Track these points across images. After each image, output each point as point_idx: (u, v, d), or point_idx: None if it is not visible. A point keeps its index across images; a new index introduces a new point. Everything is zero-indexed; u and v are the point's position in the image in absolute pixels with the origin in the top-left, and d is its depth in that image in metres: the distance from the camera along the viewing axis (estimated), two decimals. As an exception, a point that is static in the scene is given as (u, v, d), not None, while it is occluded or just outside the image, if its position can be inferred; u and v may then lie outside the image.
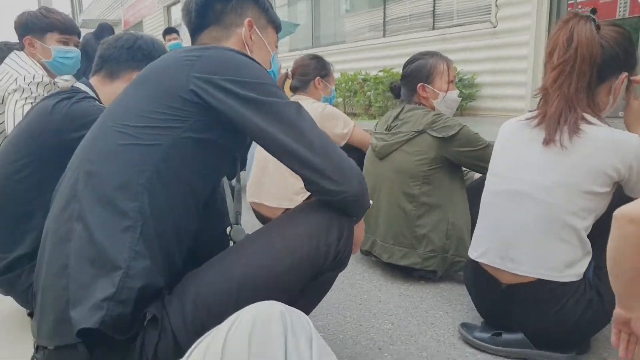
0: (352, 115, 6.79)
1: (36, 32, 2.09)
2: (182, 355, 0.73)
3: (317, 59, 2.60)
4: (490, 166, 1.51)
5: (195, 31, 1.21)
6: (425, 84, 2.00)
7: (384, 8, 7.52)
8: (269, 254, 1.01)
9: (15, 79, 1.98)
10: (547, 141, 1.32)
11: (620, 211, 0.92)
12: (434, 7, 6.65)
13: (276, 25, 1.30)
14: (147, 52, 1.57)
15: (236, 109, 0.97)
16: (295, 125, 1.00)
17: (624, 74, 1.34)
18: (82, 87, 1.52)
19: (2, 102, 2.02)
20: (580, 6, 4.98)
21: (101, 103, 1.51)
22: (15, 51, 2.16)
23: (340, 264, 1.12)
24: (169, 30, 6.22)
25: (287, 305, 0.76)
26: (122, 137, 0.96)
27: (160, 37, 6.38)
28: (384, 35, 7.49)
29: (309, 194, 2.42)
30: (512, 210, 1.39)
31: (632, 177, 1.28)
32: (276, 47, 1.31)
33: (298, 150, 0.99)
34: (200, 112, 0.97)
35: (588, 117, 1.31)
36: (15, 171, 1.43)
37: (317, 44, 9.08)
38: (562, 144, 1.29)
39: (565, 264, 1.32)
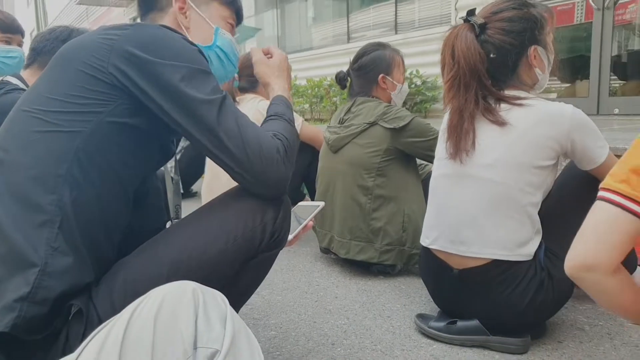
0: (319, 120, 6.78)
1: None
2: None
3: None
4: (436, 152, 1.49)
5: (141, 18, 1.17)
6: (386, 76, 1.98)
7: (348, 17, 7.56)
8: (200, 236, 0.97)
9: None
10: (453, 155, 1.37)
11: (569, 266, 0.85)
12: (395, 16, 6.72)
13: (224, 1, 1.22)
14: None
15: (152, 97, 0.91)
16: (212, 125, 0.94)
17: (531, 49, 1.34)
18: (13, 80, 1.45)
19: None
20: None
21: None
22: None
23: (277, 243, 1.08)
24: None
25: (200, 285, 0.71)
26: (38, 124, 0.89)
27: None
28: (348, 41, 7.53)
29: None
30: (458, 192, 1.37)
31: (577, 149, 1.27)
32: (228, 22, 1.23)
33: (217, 152, 0.95)
34: (122, 95, 0.91)
35: (522, 94, 1.32)
36: None
37: (282, 51, 9.08)
38: (467, 154, 1.34)
39: (515, 243, 1.30)
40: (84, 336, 0.84)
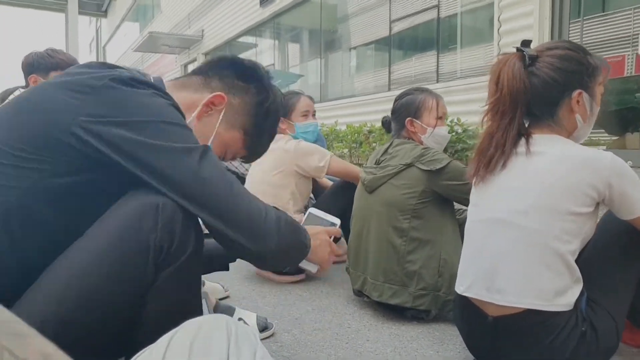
0: (358, 165, 6.82)
1: (41, 71, 2.17)
2: None
3: None
4: (470, 197, 1.47)
5: (191, 72, 1.18)
6: (414, 119, 2.00)
7: (389, 66, 7.71)
8: (75, 270, 0.85)
9: None
10: (472, 176, 1.39)
11: None
12: (437, 66, 6.80)
13: (248, 141, 1.18)
14: None
15: (113, 157, 0.85)
16: (195, 176, 0.87)
17: (577, 92, 1.32)
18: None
19: None
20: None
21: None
22: (20, 88, 2.23)
23: (174, 257, 0.90)
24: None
25: (233, 319, 0.73)
26: None
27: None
28: (389, 89, 7.64)
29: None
30: (492, 239, 1.34)
31: (615, 196, 1.23)
32: (228, 154, 1.19)
33: (197, 205, 0.88)
34: (78, 156, 0.85)
35: (558, 137, 1.30)
36: None
37: (325, 98, 9.28)
38: (480, 181, 1.37)
39: (554, 292, 1.25)
40: None
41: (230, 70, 1.14)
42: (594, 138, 4.91)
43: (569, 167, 1.24)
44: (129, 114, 0.86)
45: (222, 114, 1.11)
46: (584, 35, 4.91)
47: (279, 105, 1.21)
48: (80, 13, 21.14)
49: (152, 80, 1.00)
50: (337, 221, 1.19)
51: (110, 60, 26.42)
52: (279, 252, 0.94)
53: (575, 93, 1.32)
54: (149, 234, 0.87)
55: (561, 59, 1.32)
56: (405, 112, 2.01)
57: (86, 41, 31.79)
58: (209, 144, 1.10)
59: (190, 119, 1.08)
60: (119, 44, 24.79)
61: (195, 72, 1.17)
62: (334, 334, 1.81)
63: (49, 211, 0.87)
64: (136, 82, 0.91)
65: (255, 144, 1.20)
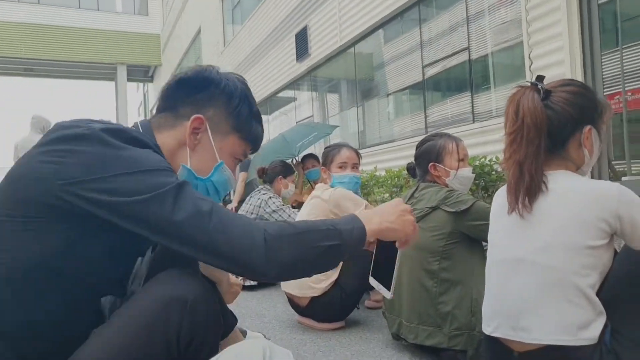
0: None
1: None
2: None
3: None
4: (489, 237, 1.51)
5: (156, 112, 1.16)
6: (436, 163, 2.08)
7: (425, 110, 7.82)
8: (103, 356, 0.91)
9: None
10: (510, 210, 1.37)
11: None
12: (472, 106, 6.85)
13: (247, 137, 1.18)
14: None
15: (100, 215, 0.89)
16: (169, 221, 0.88)
17: (587, 128, 1.37)
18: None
19: None
20: (631, 94, 4.95)
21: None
22: None
23: (195, 353, 0.95)
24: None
25: (271, 343, 0.80)
26: None
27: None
28: (426, 132, 7.71)
29: (331, 279, 2.45)
30: (513, 278, 1.37)
31: (626, 228, 1.25)
32: (237, 158, 1.19)
33: (179, 247, 0.90)
34: (68, 213, 0.89)
35: (568, 173, 1.34)
36: None
37: (363, 145, 9.43)
38: (524, 210, 1.33)
39: (577, 326, 1.26)
40: None
41: (183, 90, 1.12)
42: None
43: (579, 203, 1.28)
44: (99, 172, 0.88)
45: (209, 132, 1.11)
46: (624, 64, 4.87)
47: (238, 81, 1.18)
48: (128, 80, 22.56)
49: (136, 126, 1.07)
50: (389, 295, 1.17)
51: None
52: (275, 271, 0.92)
53: (587, 128, 1.37)
54: (173, 332, 0.92)
55: (575, 95, 1.38)
56: (427, 158, 2.10)
57: (135, 105, 33.58)
58: (218, 162, 1.13)
59: (187, 156, 1.10)
60: (166, 107, 26.01)
61: (159, 112, 1.15)
62: (371, 377, 1.85)
63: (59, 264, 0.91)
64: (108, 134, 0.92)
65: (251, 133, 1.19)
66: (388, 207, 1.11)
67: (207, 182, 1.13)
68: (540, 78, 1.42)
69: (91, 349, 0.92)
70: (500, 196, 1.50)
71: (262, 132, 1.24)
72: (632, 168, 4.70)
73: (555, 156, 1.39)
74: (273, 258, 0.90)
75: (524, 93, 1.38)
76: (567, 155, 1.39)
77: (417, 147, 2.16)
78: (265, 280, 0.96)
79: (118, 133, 0.94)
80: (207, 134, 1.11)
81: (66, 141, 0.90)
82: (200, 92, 1.12)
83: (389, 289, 1.15)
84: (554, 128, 1.35)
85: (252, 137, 1.20)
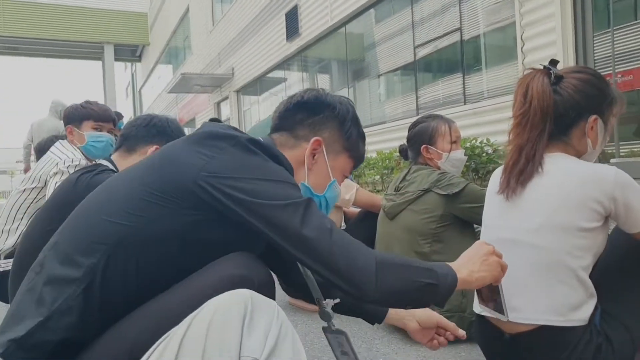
0: (390, 192, 6.84)
1: (75, 121, 2.35)
2: None
3: None
4: (482, 217, 1.52)
5: (272, 130, 1.25)
6: (428, 145, 2.07)
7: (416, 91, 7.79)
8: (162, 319, 0.92)
9: (56, 164, 2.20)
10: (500, 191, 1.38)
11: None
12: (464, 87, 6.84)
13: (354, 156, 1.28)
14: (162, 128, 1.74)
15: (235, 211, 0.96)
16: (299, 229, 0.96)
17: (593, 117, 1.36)
18: (104, 162, 1.69)
19: (45, 186, 2.24)
20: (620, 75, 4.95)
21: (120, 175, 1.65)
22: (60, 140, 2.42)
23: None
24: (213, 120, 6.68)
25: (255, 293, 0.80)
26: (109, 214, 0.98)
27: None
28: (417, 114, 7.69)
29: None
30: (506, 259, 1.37)
31: (620, 210, 1.26)
32: (345, 176, 1.30)
33: (299, 255, 0.97)
34: (199, 201, 0.97)
35: (565, 155, 1.34)
36: (45, 238, 1.57)
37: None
38: (512, 193, 1.35)
39: (568, 307, 1.28)
40: None
41: (301, 113, 1.23)
42: (635, 150, 4.84)
43: (575, 184, 1.28)
44: (243, 173, 0.98)
45: (324, 152, 1.22)
46: (615, 46, 4.87)
47: (349, 105, 1.28)
48: (116, 60, 22.21)
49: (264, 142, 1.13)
50: (506, 318, 1.21)
51: (146, 102, 27.49)
52: (379, 296, 0.98)
53: (592, 118, 1.36)
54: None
55: (585, 82, 1.36)
56: (419, 140, 2.09)
57: (123, 86, 33.18)
58: (331, 180, 1.24)
59: (305, 174, 1.20)
60: (153, 87, 25.74)
61: (276, 130, 1.25)
62: (363, 358, 1.86)
63: (174, 242, 0.98)
64: (253, 145, 1.04)
65: (358, 153, 1.30)
66: (472, 255, 1.15)
67: (321, 198, 1.23)
68: (553, 62, 1.41)
69: (150, 309, 0.95)
70: (494, 177, 1.49)
71: (365, 151, 1.35)
72: (621, 150, 4.74)
73: (557, 141, 1.38)
74: (381, 283, 0.97)
75: (535, 76, 1.37)
76: (569, 141, 1.38)
77: (410, 129, 2.15)
78: (363, 302, 1.03)
79: (262, 146, 1.06)
80: (323, 155, 1.22)
81: (220, 140, 1.02)
82: (317, 115, 1.22)
83: (502, 313, 1.20)
84: (559, 114, 1.35)
85: (358, 156, 1.30)
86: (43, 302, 0.92)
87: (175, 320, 0.86)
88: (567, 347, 1.27)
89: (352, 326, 2.23)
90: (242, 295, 0.78)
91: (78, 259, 0.95)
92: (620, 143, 4.73)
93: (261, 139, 1.12)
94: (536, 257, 1.31)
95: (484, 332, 1.48)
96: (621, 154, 4.74)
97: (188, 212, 0.97)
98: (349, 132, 1.25)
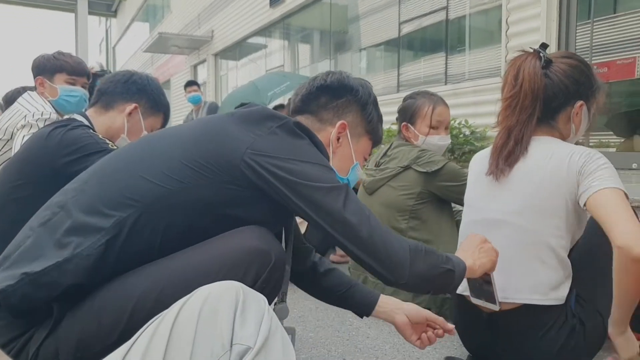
0: (366, 167, 6.86)
1: (47, 73, 2.22)
2: None
3: None
4: (465, 198, 1.52)
5: (293, 112, 1.26)
6: (408, 124, 2.05)
7: (398, 68, 7.75)
8: (174, 279, 0.93)
9: (25, 116, 2.09)
10: (489, 172, 1.38)
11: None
12: (446, 67, 6.83)
13: (374, 139, 1.30)
14: (142, 85, 1.66)
15: (278, 189, 0.99)
16: (341, 212, 0.99)
17: (579, 103, 1.37)
18: (78, 117, 1.61)
19: (12, 138, 2.14)
20: (596, 67, 5.00)
21: (95, 132, 1.58)
22: (28, 91, 2.30)
23: None
24: (191, 83, 6.53)
25: (244, 286, 0.79)
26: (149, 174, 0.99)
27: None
28: (397, 91, 7.67)
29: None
30: (490, 239, 1.38)
31: (584, 180, 1.25)
32: (365, 158, 1.33)
33: (340, 238, 1.01)
34: (243, 183, 0.99)
35: (550, 138, 1.34)
36: (12, 192, 1.50)
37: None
38: (501, 174, 1.35)
39: (548, 286, 1.30)
40: (41, 344, 0.90)
41: (324, 96, 1.23)
42: (603, 140, 4.93)
43: (554, 165, 1.29)
44: (289, 154, 1.01)
45: (348, 136, 1.23)
46: (593, 37, 4.91)
47: (369, 88, 1.29)
48: (90, 13, 21.28)
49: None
50: (497, 307, 1.29)
51: (120, 60, 26.69)
52: (412, 279, 1.02)
53: (578, 104, 1.37)
54: (253, 278, 0.94)
55: (574, 68, 1.37)
56: (403, 116, 2.07)
57: (96, 42, 32.00)
58: (354, 163, 1.26)
59: (329, 157, 1.21)
60: (128, 45, 24.95)
61: (298, 112, 1.25)
62: (335, 330, 1.87)
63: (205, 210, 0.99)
64: (298, 129, 1.07)
65: (377, 135, 1.31)
66: (469, 246, 1.24)
67: (345, 180, 1.25)
68: (544, 46, 1.40)
69: (164, 269, 0.95)
70: (480, 158, 1.49)
71: (382, 133, 1.37)
72: (590, 141, 4.82)
73: (545, 125, 1.39)
74: (414, 267, 1.02)
75: (526, 59, 1.36)
76: (555, 125, 1.39)
77: (402, 102, 2.12)
78: (394, 285, 1.04)
79: (307, 131, 1.10)
80: (347, 138, 1.23)
81: (269, 120, 1.05)
82: (340, 99, 1.23)
83: (493, 303, 1.28)
84: (548, 97, 1.35)
85: (378, 138, 1.32)
86: (64, 245, 0.92)
87: (184, 287, 0.83)
88: (544, 326, 1.30)
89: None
90: (233, 286, 0.77)
91: (106, 210, 0.95)
92: (591, 134, 4.81)
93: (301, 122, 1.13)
94: (520, 237, 1.32)
95: (460, 311, 1.49)
96: (590, 144, 4.82)
97: (227, 186, 0.99)
98: (370, 116, 1.26)
